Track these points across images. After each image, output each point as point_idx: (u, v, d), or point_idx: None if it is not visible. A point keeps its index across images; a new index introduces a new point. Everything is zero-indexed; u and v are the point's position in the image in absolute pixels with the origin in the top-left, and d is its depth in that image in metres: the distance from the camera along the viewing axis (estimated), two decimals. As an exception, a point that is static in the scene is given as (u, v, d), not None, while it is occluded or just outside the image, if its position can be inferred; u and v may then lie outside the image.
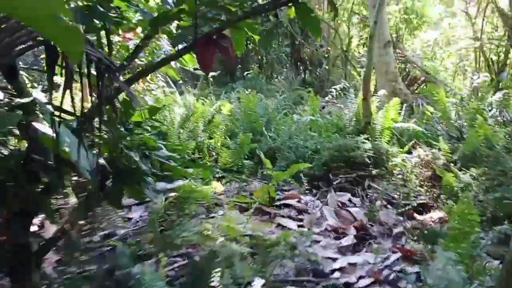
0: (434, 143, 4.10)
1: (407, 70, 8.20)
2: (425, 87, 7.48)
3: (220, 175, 4.15)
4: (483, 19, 6.15)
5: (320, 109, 5.65)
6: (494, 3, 5.63)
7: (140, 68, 5.54)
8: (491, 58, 6.03)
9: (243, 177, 4.00)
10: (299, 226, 2.86)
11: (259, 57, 11.65)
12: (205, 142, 4.50)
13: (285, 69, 12.29)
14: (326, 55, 10.87)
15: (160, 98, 5.77)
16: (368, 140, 4.08)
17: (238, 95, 5.39)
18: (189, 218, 2.76)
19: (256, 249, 2.39)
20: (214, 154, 4.54)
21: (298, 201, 3.22)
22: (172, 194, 3.19)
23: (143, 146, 1.95)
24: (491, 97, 4.78)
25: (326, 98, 9.39)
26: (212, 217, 3.02)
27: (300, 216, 3.03)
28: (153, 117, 2.28)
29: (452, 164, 3.34)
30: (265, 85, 9.68)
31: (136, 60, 5.33)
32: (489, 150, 3.07)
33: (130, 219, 3.16)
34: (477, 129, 3.30)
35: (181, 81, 12.23)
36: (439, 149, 3.67)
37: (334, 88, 8.89)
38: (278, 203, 3.21)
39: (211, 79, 10.12)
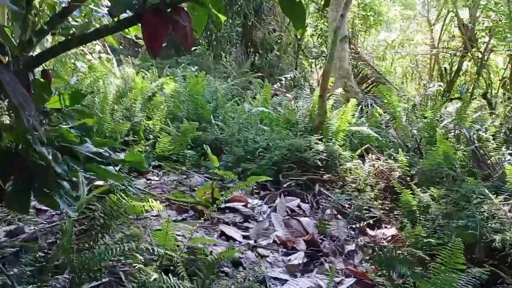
0: (390, 151, 3.94)
1: (358, 67, 8.11)
2: (376, 87, 7.44)
3: (156, 164, 3.69)
4: (442, 27, 6.12)
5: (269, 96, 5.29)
6: (455, 13, 5.59)
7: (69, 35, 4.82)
8: (445, 67, 6.04)
9: (183, 169, 3.57)
10: (244, 237, 2.51)
11: (209, 33, 11.05)
12: (142, 124, 3.99)
13: (234, 50, 11.81)
14: (278, 41, 10.54)
15: (95, 65, 5.12)
16: (321, 141, 3.81)
17: (184, 73, 4.87)
18: (115, 220, 2.29)
19: (194, 265, 2.02)
20: (151, 137, 4.05)
21: (245, 205, 2.87)
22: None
23: (59, 138, 1.47)
24: (445, 108, 4.73)
25: (275, 86, 9.10)
26: (143, 219, 2.58)
27: (246, 224, 2.69)
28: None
29: (408, 178, 3.16)
30: (213, 64, 9.16)
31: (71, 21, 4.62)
32: (449, 169, 2.91)
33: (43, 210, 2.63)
34: (438, 145, 3.13)
35: (121, 47, 11.33)
36: (395, 160, 3.49)
37: (285, 77, 8.62)
38: (222, 205, 2.83)
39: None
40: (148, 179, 3.40)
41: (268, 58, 10.52)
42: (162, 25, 1.37)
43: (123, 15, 1.44)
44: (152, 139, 3.98)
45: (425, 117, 5.06)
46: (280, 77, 9.24)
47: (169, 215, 2.61)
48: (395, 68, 8.60)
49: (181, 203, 2.82)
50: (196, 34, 1.63)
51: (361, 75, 7.92)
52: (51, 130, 1.43)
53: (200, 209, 2.71)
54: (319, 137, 3.83)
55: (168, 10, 1.41)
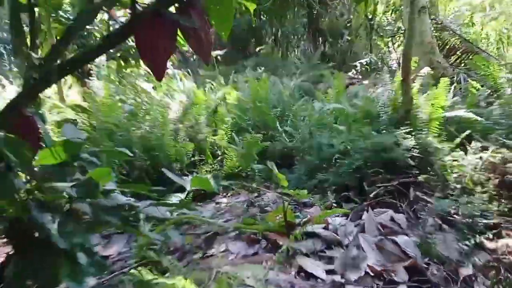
0: (494, 136, 3.21)
1: (443, 39, 7.14)
2: (468, 58, 6.46)
3: (226, 183, 3.38)
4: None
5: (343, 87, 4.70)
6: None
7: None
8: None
9: (254, 186, 3.22)
10: (328, 271, 2.06)
11: (273, 29, 10.65)
12: (208, 140, 3.71)
13: (302, 42, 11.28)
14: (347, 25, 9.82)
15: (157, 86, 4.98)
16: (411, 134, 3.20)
17: (245, 78, 4.53)
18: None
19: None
20: (219, 154, 3.76)
21: (325, 227, 2.42)
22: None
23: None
24: None
25: (350, 74, 8.43)
26: (209, 256, 2.26)
27: (328, 253, 2.24)
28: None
29: (533, 171, 2.46)
30: (281, 61, 8.77)
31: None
32: None
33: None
34: None
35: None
36: (508, 147, 2.78)
37: (360, 62, 7.93)
38: (298, 229, 2.41)
39: (218, 57, 9.25)
40: (217, 203, 3.11)
41: (339, 45, 9.85)
42: (164, 35, 1.00)
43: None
44: (220, 156, 3.70)
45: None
46: (354, 64, 8.56)
47: (238, 251, 2.26)
48: (487, 33, 7.44)
49: (252, 231, 2.45)
50: (223, 35, 1.24)
51: (447, 47, 6.96)
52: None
53: (273, 238, 2.32)
54: (408, 129, 3.23)
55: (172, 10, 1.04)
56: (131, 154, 1.47)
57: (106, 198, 1.30)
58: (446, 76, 5.71)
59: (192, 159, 3.63)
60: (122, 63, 4.74)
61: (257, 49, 9.71)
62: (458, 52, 6.85)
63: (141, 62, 5.32)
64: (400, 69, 3.57)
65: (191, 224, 2.59)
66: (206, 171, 3.49)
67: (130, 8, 0.97)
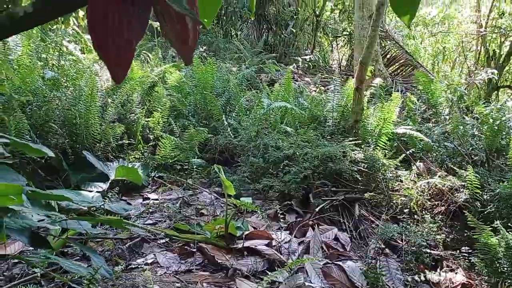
0: (443, 158, 3.21)
1: (385, 48, 7.26)
2: (406, 71, 6.62)
3: (157, 175, 3.01)
4: (492, 2, 5.24)
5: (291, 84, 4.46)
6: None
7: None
8: (494, 50, 5.19)
9: (189, 182, 2.89)
10: (271, 298, 1.84)
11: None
12: (140, 122, 3.28)
13: (245, 26, 10.94)
14: (293, 16, 9.65)
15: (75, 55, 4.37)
16: (359, 146, 3.09)
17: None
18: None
19: None
20: (151, 139, 3.35)
21: (268, 244, 2.19)
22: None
23: None
24: (499, 100, 3.95)
25: (290, 67, 8.29)
26: (134, 269, 1.91)
27: (271, 275, 2.00)
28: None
29: (478, 204, 2.44)
30: (223, 42, 8.35)
31: None
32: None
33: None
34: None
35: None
36: (455, 175, 2.76)
37: (303, 58, 7.80)
38: (239, 243, 2.15)
39: (157, 27, 8.59)
40: (145, 198, 2.73)
41: (282, 36, 9.66)
42: (127, 8, 0.65)
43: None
44: (152, 142, 3.29)
45: (471, 111, 4.31)
46: (296, 57, 8.43)
47: (168, 265, 1.94)
48: (425, 48, 7.71)
49: (186, 240, 2.14)
50: (206, 24, 0.91)
51: (388, 56, 7.08)
52: None
53: (210, 253, 2.03)
54: (355, 140, 3.11)
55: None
56: (52, 154, 1.09)
57: (12, 219, 0.92)
58: (385, 86, 5.78)
59: (120, 142, 3.18)
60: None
61: (200, 26, 9.17)
62: (397, 63, 7.00)
63: (71, 20, 4.64)
64: (355, 77, 3.43)
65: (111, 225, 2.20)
66: (135, 158, 3.07)
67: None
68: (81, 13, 4.64)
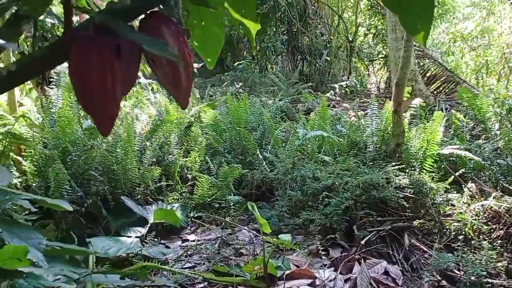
0: (490, 175, 2.99)
1: (424, 67, 7.04)
2: (449, 88, 6.35)
3: (196, 215, 2.98)
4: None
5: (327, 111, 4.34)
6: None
7: None
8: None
9: (228, 220, 2.83)
10: None
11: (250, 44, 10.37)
12: (177, 163, 3.30)
13: (280, 59, 11.06)
14: (327, 45, 9.65)
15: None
16: (403, 171, 2.92)
17: (224, 97, 4.14)
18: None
19: None
20: (189, 178, 3.36)
21: (311, 284, 2.06)
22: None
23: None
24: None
25: (328, 95, 8.21)
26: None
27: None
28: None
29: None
30: (259, 77, 8.44)
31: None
32: None
33: None
34: None
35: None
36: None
37: (339, 85, 7.72)
38: (279, 284, 2.04)
39: (195, 70, 8.84)
40: (184, 240, 2.70)
41: (317, 65, 9.66)
42: (112, 60, 0.62)
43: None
44: (190, 182, 3.29)
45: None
46: (332, 85, 8.37)
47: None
48: (466, 63, 7.41)
49: (224, 284, 2.06)
50: (208, 64, 0.87)
51: (428, 75, 6.85)
52: None
53: (250, 295, 1.94)
54: (399, 165, 2.94)
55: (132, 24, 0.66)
56: (69, 208, 1.08)
57: (27, 280, 0.89)
58: (428, 106, 5.56)
59: (158, 184, 3.20)
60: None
61: (235, 63, 9.37)
62: (438, 81, 6.74)
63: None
64: (392, 99, 3.30)
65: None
66: (173, 199, 3.08)
67: (64, 15, 0.60)
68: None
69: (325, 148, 3.43)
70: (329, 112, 4.70)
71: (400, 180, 2.80)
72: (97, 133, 2.96)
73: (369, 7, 8.13)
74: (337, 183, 2.69)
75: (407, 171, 2.92)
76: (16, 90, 3.60)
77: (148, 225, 2.65)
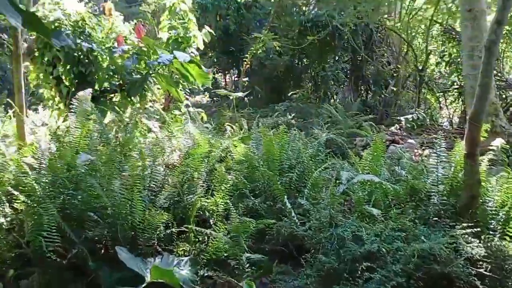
0: None
1: (507, 100, 6.05)
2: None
3: (206, 273, 2.44)
4: None
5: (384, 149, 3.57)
6: None
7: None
8: None
9: (243, 285, 2.25)
10: None
11: (313, 73, 9.85)
12: (195, 205, 2.80)
13: (342, 89, 10.42)
14: (394, 74, 8.88)
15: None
16: (478, 236, 2.18)
17: (259, 129, 3.62)
18: None
19: None
20: (211, 224, 2.85)
21: None
22: None
23: None
24: None
25: (392, 128, 7.41)
26: None
27: None
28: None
29: None
30: (315, 108, 7.86)
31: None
32: None
33: None
34: None
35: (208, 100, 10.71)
36: None
37: (405, 118, 6.91)
38: None
39: (246, 99, 8.51)
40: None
41: (382, 95, 8.88)
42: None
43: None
44: (208, 229, 2.78)
45: None
46: (398, 118, 7.56)
47: None
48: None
49: None
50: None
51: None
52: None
53: None
54: (472, 227, 2.20)
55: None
56: None
57: None
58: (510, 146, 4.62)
59: (170, 230, 2.72)
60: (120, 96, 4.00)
61: (289, 93, 8.90)
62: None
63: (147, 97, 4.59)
64: (464, 138, 2.58)
65: None
66: (184, 250, 2.58)
67: None
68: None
69: (375, 198, 2.76)
70: (388, 149, 3.99)
71: (473, 249, 2.07)
72: (95, 169, 2.56)
73: (442, 32, 7.30)
74: (384, 249, 2.03)
75: (483, 236, 2.18)
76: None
77: (143, 285, 2.16)
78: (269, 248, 2.52)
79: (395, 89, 8.58)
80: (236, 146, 3.32)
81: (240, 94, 6.44)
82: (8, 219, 2.40)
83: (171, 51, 3.80)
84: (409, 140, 6.02)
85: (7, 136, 2.92)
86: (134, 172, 2.59)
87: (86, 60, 3.66)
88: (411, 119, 6.51)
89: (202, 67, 3.40)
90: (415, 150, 5.41)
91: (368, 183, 2.89)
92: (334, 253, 2.16)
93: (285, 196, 2.58)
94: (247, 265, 2.27)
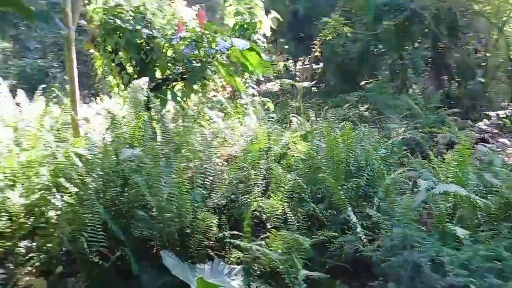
0: None
1: None
2: None
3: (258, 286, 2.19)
4: None
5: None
6: None
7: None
8: None
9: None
10: None
11: (389, 61, 9.13)
12: (250, 208, 2.55)
13: (422, 79, 9.56)
14: (482, 64, 7.96)
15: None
16: None
17: (323, 125, 3.26)
18: None
19: None
20: (268, 227, 2.59)
21: None
22: None
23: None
24: None
25: (480, 124, 6.60)
26: None
27: None
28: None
29: None
30: (392, 99, 7.23)
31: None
32: None
33: None
34: None
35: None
36: None
37: (497, 113, 6.12)
38: None
39: (314, 88, 8.11)
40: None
41: (468, 87, 7.99)
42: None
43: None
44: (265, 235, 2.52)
45: None
46: (487, 112, 6.74)
47: None
48: None
49: None
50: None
51: None
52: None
53: None
54: None
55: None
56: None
57: None
58: None
59: (226, 232, 2.51)
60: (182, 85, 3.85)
61: (361, 82, 8.32)
62: None
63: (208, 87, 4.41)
64: None
65: None
66: (236, 258, 2.35)
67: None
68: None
69: (461, 212, 2.32)
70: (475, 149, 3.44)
71: None
72: (141, 167, 2.39)
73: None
74: (474, 286, 1.63)
75: None
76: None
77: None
78: (332, 264, 2.21)
79: (483, 80, 7.68)
80: (295, 143, 3.01)
81: (306, 84, 6.08)
82: (59, 212, 2.33)
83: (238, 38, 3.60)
84: (501, 139, 5.28)
85: (60, 128, 2.87)
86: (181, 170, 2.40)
87: (147, 47, 3.55)
88: (503, 115, 5.72)
89: (263, 55, 3.12)
90: (508, 151, 4.71)
91: (452, 193, 2.46)
92: (409, 280, 1.80)
93: (349, 208, 2.23)
94: (305, 285, 1.97)
